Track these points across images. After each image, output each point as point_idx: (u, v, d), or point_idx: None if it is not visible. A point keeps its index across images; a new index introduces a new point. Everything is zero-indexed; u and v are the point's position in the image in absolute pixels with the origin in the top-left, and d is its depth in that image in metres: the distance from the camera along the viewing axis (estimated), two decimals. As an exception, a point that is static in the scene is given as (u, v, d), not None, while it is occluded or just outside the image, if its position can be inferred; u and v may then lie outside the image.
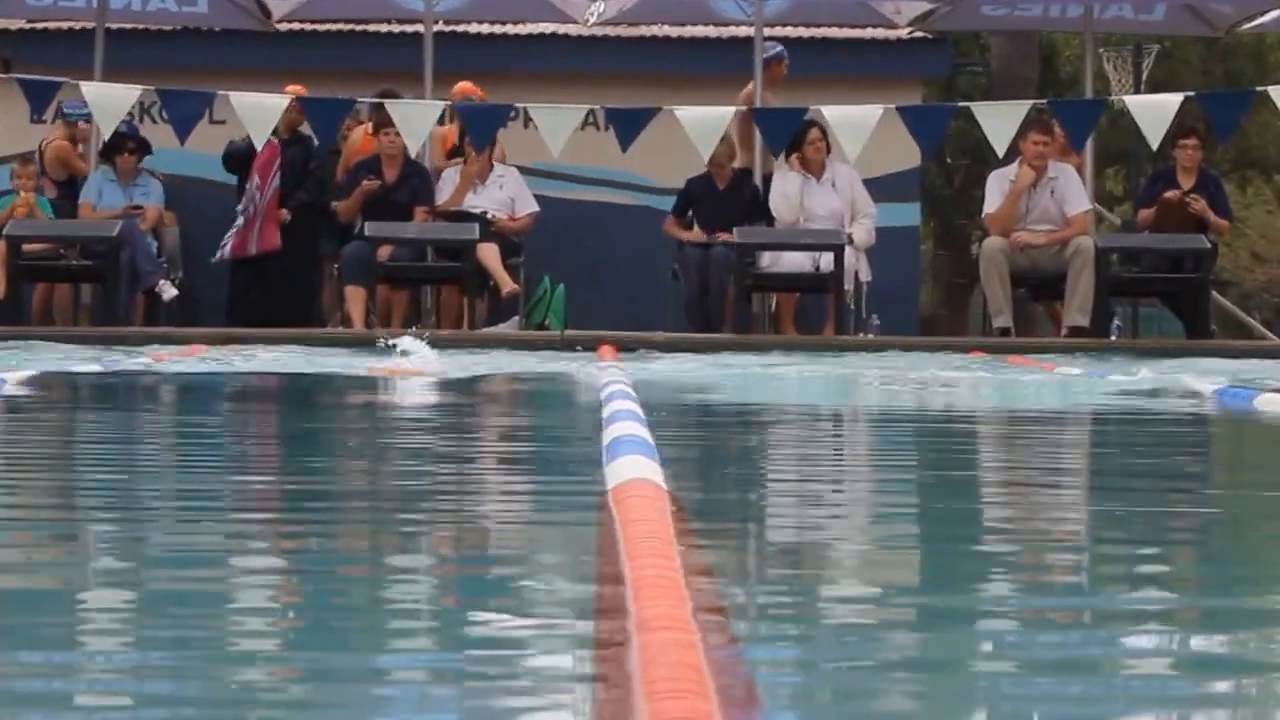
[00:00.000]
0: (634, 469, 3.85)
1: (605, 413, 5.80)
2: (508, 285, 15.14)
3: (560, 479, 5.10)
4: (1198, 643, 2.83)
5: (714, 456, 6.08)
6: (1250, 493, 5.23)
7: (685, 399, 8.91)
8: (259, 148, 15.42)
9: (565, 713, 2.23)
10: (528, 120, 16.17)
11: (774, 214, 15.56)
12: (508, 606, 2.95)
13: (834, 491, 5.08)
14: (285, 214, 15.88)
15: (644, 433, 4.80)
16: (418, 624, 2.87)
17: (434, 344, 11.91)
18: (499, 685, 2.38)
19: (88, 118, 15.98)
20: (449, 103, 15.77)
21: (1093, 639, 2.82)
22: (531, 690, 2.35)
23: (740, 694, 2.24)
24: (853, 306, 15.52)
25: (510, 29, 18.46)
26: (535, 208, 15.87)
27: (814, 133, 15.51)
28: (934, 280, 30.48)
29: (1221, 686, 2.52)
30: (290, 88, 15.89)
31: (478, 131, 15.62)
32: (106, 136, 15.49)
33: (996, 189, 15.52)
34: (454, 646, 2.67)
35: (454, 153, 16.19)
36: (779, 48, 16.63)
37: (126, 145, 15.72)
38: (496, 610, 2.92)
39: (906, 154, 16.92)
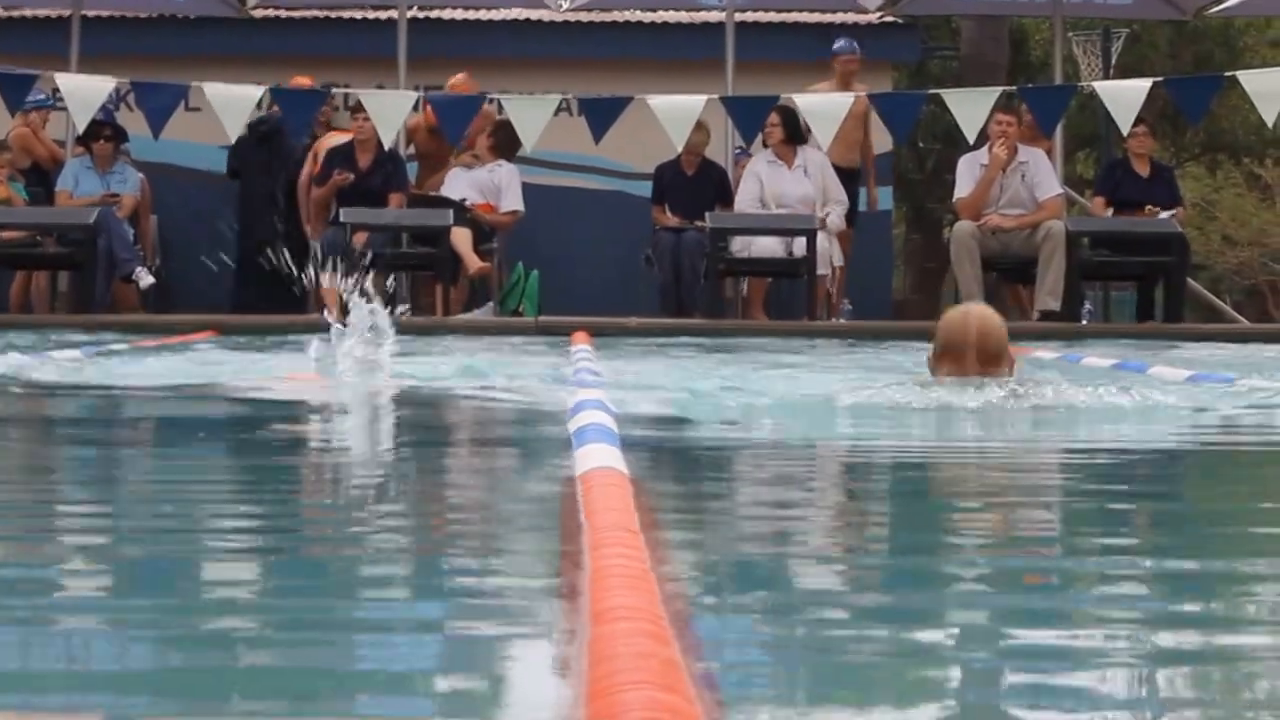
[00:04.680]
0: (599, 457, 3.90)
1: (571, 401, 5.81)
2: (475, 265, 15.14)
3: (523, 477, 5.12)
4: None
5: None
6: None
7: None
8: (233, 138, 15.42)
9: (526, 705, 2.26)
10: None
11: (746, 198, 15.54)
12: (470, 598, 2.99)
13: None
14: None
15: (609, 421, 4.84)
16: (379, 613, 2.90)
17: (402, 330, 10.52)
18: (461, 676, 2.42)
19: (44, 106, 16.17)
20: (420, 94, 15.80)
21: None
22: (494, 680, 2.39)
23: (703, 685, 2.24)
24: (831, 289, 15.60)
25: (484, 14, 18.51)
26: (519, 207, 15.80)
27: (771, 117, 15.55)
28: (906, 265, 30.55)
29: None
30: (296, 79, 16.00)
31: (449, 122, 15.62)
32: (81, 128, 15.49)
33: (967, 174, 15.56)
34: (415, 638, 2.70)
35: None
36: (849, 43, 16.37)
37: (103, 133, 15.73)
38: (457, 602, 2.96)
39: (878, 139, 16.98)
